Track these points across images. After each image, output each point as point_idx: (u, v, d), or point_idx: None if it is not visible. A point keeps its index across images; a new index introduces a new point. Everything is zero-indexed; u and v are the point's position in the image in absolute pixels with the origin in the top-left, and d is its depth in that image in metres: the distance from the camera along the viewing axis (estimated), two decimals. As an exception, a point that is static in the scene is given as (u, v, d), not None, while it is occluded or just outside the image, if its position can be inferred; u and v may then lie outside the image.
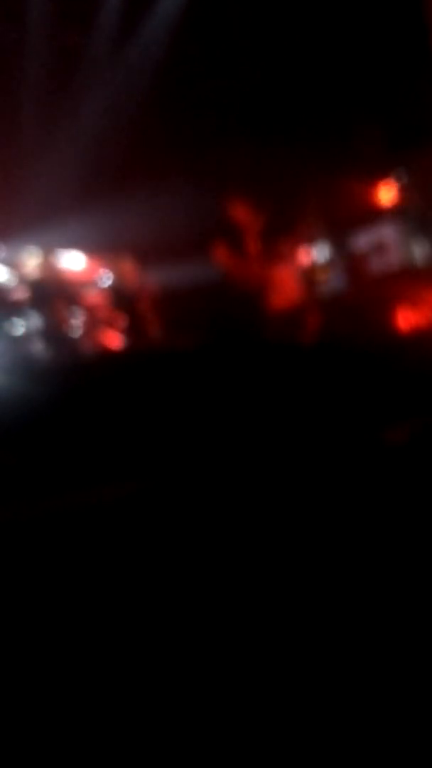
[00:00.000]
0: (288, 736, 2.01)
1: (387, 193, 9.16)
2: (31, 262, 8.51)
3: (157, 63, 9.60)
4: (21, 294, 8.36)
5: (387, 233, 8.99)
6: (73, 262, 8.80)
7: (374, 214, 9.14)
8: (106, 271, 8.80)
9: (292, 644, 2.36)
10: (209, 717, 2.09)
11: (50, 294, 8.38)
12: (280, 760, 1.95)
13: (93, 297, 8.69)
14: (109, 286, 8.76)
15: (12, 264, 8.46)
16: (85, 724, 2.10)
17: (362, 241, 9.19)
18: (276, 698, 2.14)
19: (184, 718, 2.10)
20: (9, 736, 2.05)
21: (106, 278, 8.78)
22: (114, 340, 8.44)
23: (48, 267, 8.55)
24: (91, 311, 8.59)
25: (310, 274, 9.33)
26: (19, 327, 8.13)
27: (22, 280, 8.42)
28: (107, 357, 7.89)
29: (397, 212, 9.02)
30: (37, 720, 2.11)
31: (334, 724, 2.04)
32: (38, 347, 8.05)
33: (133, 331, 8.55)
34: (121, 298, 8.72)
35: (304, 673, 2.23)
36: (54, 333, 8.16)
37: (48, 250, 8.60)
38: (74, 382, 5.25)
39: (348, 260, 9.21)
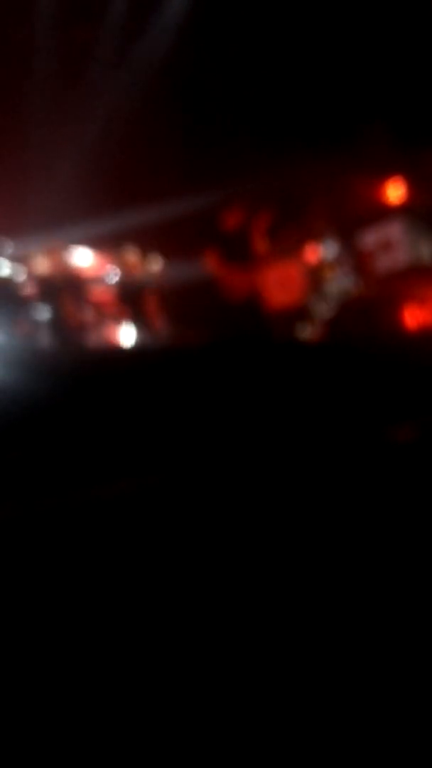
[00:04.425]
0: (288, 735, 2.02)
1: (394, 191, 9.16)
2: (40, 258, 8.54)
3: (163, 62, 9.62)
4: (29, 290, 8.39)
5: (394, 231, 8.98)
6: (80, 258, 8.83)
7: (381, 212, 9.13)
8: (114, 267, 8.83)
9: (293, 642, 2.36)
10: (210, 715, 2.10)
11: (58, 290, 8.41)
12: (279, 759, 1.96)
13: (100, 293, 8.72)
14: (117, 282, 8.78)
15: (21, 260, 8.48)
16: (85, 721, 2.11)
17: (369, 239, 9.19)
18: (276, 695, 2.15)
19: (185, 715, 2.11)
20: (9, 735, 2.06)
21: (113, 274, 8.80)
22: (121, 335, 8.47)
23: (56, 263, 8.57)
24: (98, 307, 8.62)
25: (317, 272, 9.33)
26: (27, 322, 8.16)
27: (31, 275, 8.45)
28: (114, 353, 7.91)
29: (404, 210, 9.01)
30: (38, 718, 2.12)
31: (334, 722, 2.05)
32: (45, 342, 8.08)
33: (140, 327, 8.57)
34: (128, 294, 8.73)
35: (304, 670, 2.24)
36: (61, 328, 8.18)
37: (56, 246, 8.62)
38: (81, 378, 5.26)
39: (355, 258, 9.20)
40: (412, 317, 8.11)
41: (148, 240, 8.82)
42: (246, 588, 2.64)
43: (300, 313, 8.89)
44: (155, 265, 9.04)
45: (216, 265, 8.91)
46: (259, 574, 2.72)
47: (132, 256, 8.91)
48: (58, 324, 8.22)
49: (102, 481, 3.66)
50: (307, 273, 9.25)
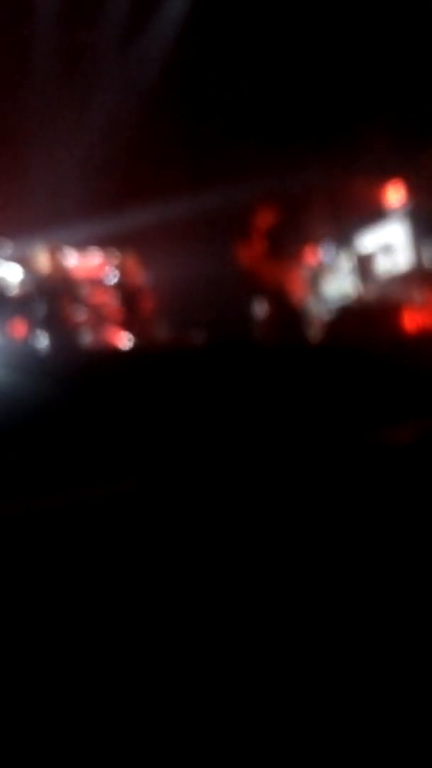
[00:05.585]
0: (288, 735, 2.00)
1: (394, 194, 9.15)
2: (38, 258, 8.52)
3: (165, 62, 9.61)
4: (27, 290, 8.37)
5: (394, 234, 8.98)
6: (79, 259, 8.81)
7: (382, 215, 9.12)
8: (112, 268, 8.81)
9: (291, 645, 2.34)
10: (209, 716, 2.08)
11: (56, 291, 8.39)
12: (280, 759, 1.94)
13: (99, 294, 8.70)
14: (115, 284, 8.77)
15: (19, 260, 8.46)
16: (84, 723, 2.09)
17: (369, 241, 9.18)
18: (276, 697, 2.14)
19: (184, 718, 2.09)
20: (9, 736, 2.05)
21: (112, 276, 8.78)
22: (119, 337, 8.45)
23: (54, 264, 8.55)
24: (96, 308, 8.60)
25: (316, 275, 9.33)
26: (25, 323, 8.13)
27: (29, 276, 8.43)
28: (112, 354, 7.89)
29: (405, 213, 9.00)
30: (37, 719, 2.11)
31: (334, 723, 2.03)
32: (43, 344, 8.05)
33: (137, 328, 8.55)
34: (126, 295, 8.72)
35: (303, 673, 2.22)
36: (59, 329, 8.16)
37: (55, 247, 8.60)
38: (78, 380, 5.24)
39: (355, 261, 9.20)
40: (412, 321, 8.09)
41: (146, 241, 8.80)
42: (244, 587, 2.62)
43: (299, 315, 8.88)
44: (153, 265, 9.02)
45: (250, 258, 8.90)
46: (257, 574, 2.70)
47: (130, 257, 8.90)
48: (55, 325, 8.20)
49: (100, 482, 3.65)
50: (307, 275, 9.26)
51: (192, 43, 9.63)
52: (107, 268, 8.82)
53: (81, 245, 8.83)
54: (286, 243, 9.20)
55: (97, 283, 8.76)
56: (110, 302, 8.70)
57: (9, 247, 8.46)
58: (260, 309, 8.80)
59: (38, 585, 2.67)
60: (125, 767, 1.96)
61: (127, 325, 8.56)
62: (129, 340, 8.43)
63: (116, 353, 8.04)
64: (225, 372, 5.16)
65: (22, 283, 8.40)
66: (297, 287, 9.08)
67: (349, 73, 9.28)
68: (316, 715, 2.05)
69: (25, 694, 2.19)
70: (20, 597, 2.60)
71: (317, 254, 9.40)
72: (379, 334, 7.90)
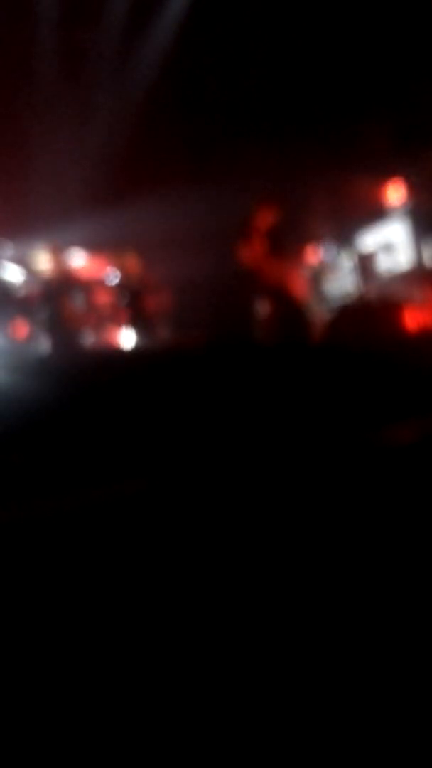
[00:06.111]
0: (288, 735, 2.01)
1: (396, 193, 9.14)
2: (40, 259, 8.53)
3: (166, 62, 9.62)
4: (29, 291, 8.38)
5: (395, 233, 8.97)
6: (81, 260, 8.82)
7: (383, 214, 9.12)
8: (114, 269, 8.82)
9: (291, 646, 2.35)
10: (209, 717, 2.09)
11: (58, 292, 8.40)
12: (280, 759, 1.95)
13: (100, 295, 8.70)
14: (117, 284, 8.78)
15: (21, 261, 8.47)
16: (84, 724, 2.10)
17: (370, 240, 9.18)
18: (275, 698, 2.14)
19: (184, 719, 2.09)
20: (9, 736, 2.05)
21: (113, 276, 8.79)
22: (120, 338, 8.46)
23: (57, 265, 8.56)
24: (98, 309, 8.61)
25: (317, 274, 9.33)
26: (27, 324, 8.14)
27: (31, 277, 8.44)
28: (114, 355, 7.90)
29: (405, 211, 8.99)
30: (37, 721, 2.11)
31: (334, 723, 2.03)
32: (45, 344, 8.06)
33: (139, 329, 8.55)
34: (128, 296, 8.72)
35: (303, 673, 2.23)
36: (61, 330, 8.17)
37: (57, 249, 8.61)
38: (81, 380, 5.25)
39: (355, 260, 9.19)
40: (413, 319, 8.08)
41: (148, 242, 8.81)
42: (246, 587, 2.62)
43: (301, 314, 8.87)
44: (154, 266, 9.03)
45: (251, 257, 8.87)
46: (259, 575, 2.71)
47: (131, 258, 8.90)
48: (57, 326, 8.20)
49: (102, 483, 3.65)
50: (308, 275, 9.26)
51: (192, 42, 9.63)
52: (109, 268, 8.83)
53: (83, 246, 8.84)
54: (287, 242, 9.19)
55: (98, 283, 8.77)
56: (112, 303, 8.71)
57: (10, 248, 8.48)
58: (262, 308, 8.79)
59: (40, 586, 2.68)
60: (125, 767, 1.97)
61: (129, 325, 8.57)
62: (131, 340, 8.44)
63: (118, 354, 8.04)
64: (227, 372, 5.16)
65: (24, 284, 8.41)
66: (298, 286, 9.07)
67: (350, 72, 9.28)
68: (315, 715, 2.06)
69: (27, 695, 2.20)
70: (22, 598, 2.60)
71: (318, 253, 9.40)
72: (380, 333, 7.88)
